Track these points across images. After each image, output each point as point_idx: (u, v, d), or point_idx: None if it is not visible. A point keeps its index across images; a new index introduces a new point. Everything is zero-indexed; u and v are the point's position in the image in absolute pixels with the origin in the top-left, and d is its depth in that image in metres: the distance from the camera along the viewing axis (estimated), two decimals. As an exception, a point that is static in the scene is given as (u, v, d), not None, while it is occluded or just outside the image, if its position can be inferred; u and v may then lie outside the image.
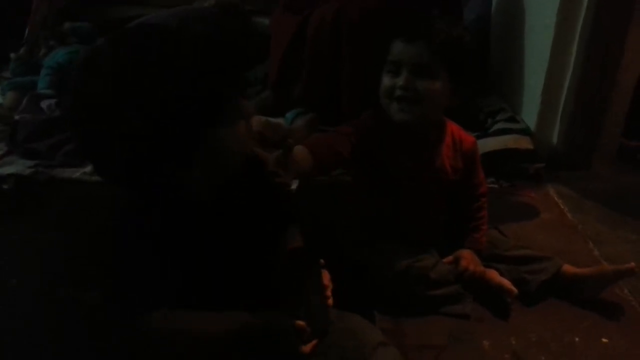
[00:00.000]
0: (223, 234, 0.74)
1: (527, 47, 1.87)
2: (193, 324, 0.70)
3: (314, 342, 0.74)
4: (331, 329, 0.77)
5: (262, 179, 0.83)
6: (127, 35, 0.68)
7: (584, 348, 1.01)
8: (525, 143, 1.69)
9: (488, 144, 1.65)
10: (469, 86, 1.09)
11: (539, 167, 1.68)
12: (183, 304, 0.69)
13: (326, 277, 0.80)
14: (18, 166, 1.51)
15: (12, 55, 2.15)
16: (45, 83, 1.95)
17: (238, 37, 1.94)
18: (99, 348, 0.88)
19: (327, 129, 1.74)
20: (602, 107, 1.72)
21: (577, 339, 1.03)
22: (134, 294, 0.68)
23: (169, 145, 0.65)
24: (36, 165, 1.51)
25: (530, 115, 1.80)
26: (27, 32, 2.14)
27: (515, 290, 1.07)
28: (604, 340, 1.03)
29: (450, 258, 1.13)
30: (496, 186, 1.60)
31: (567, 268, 1.13)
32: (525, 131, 1.75)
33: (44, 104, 1.81)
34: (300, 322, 0.71)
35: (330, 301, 0.78)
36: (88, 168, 1.51)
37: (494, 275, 1.11)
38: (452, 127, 1.16)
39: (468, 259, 1.11)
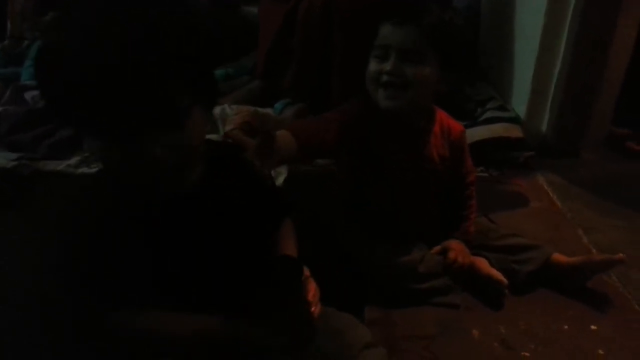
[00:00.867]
0: (195, 224, 0.71)
1: (517, 36, 1.86)
2: (159, 325, 0.68)
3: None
4: (315, 336, 0.74)
5: (242, 168, 0.80)
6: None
7: (572, 335, 1.01)
8: (515, 131, 1.69)
9: (478, 133, 1.65)
10: (458, 72, 1.06)
11: (529, 156, 1.68)
12: (151, 300, 0.67)
13: (312, 287, 0.76)
14: (1, 159, 1.48)
15: None
16: (29, 74, 1.91)
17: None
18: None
19: (316, 118, 1.74)
20: (591, 95, 1.73)
21: (565, 327, 1.03)
22: (89, 287, 0.67)
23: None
24: (20, 158, 1.48)
25: (520, 103, 1.80)
26: (8, 24, 2.10)
27: (505, 280, 1.07)
28: (593, 327, 1.03)
29: (438, 248, 1.12)
30: (486, 175, 1.60)
31: (557, 257, 1.13)
32: (515, 120, 1.75)
33: (28, 95, 1.77)
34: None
35: (317, 310, 0.75)
36: (72, 160, 1.48)
37: (483, 265, 1.11)
38: (441, 115, 1.13)
39: (457, 250, 1.10)
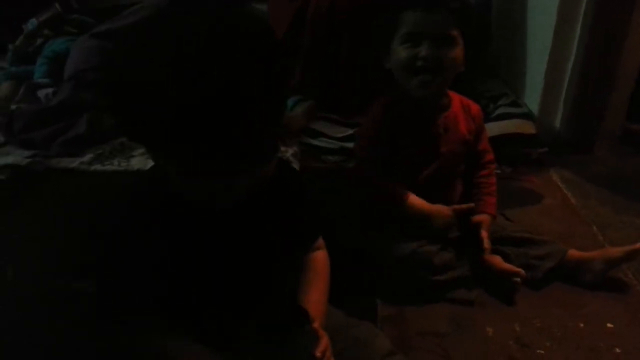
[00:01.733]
0: (225, 236, 0.69)
1: (529, 30, 1.84)
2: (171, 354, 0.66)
3: None
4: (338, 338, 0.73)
5: (287, 183, 0.75)
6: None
7: (589, 334, 1.00)
8: (528, 128, 1.67)
9: (490, 129, 1.61)
10: (475, 51, 1.12)
11: (542, 152, 1.66)
12: (173, 305, 0.66)
13: (323, 342, 0.69)
14: (15, 157, 1.49)
15: (11, 45, 2.13)
16: (42, 72, 1.92)
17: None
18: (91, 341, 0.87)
19: (326, 116, 1.74)
20: (605, 91, 1.70)
21: (581, 325, 1.02)
22: (120, 288, 0.66)
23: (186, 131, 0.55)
24: (33, 156, 1.49)
25: (532, 99, 1.78)
26: (31, 28, 2.11)
27: (522, 271, 1.06)
28: (609, 325, 1.02)
29: (456, 207, 1.12)
30: (499, 171, 1.58)
31: (572, 252, 1.12)
32: (527, 116, 1.73)
33: (41, 93, 1.79)
34: None
35: None
36: (85, 157, 1.49)
37: (497, 261, 1.10)
38: (455, 95, 1.18)
39: (487, 223, 1.12)
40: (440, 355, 0.94)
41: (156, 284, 0.67)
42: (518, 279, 1.06)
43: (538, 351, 0.96)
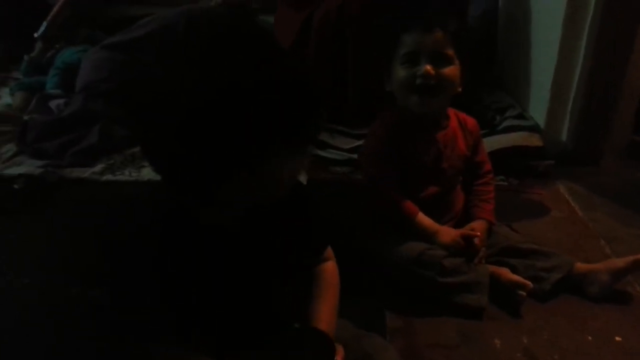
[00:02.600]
0: (237, 256, 0.69)
1: (535, 42, 1.86)
2: None
3: None
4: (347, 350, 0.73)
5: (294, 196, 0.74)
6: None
7: (597, 347, 1.00)
8: (535, 140, 1.68)
9: (497, 142, 1.64)
10: (473, 72, 1.16)
11: (548, 164, 1.67)
12: (187, 321, 0.67)
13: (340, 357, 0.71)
14: (28, 166, 1.51)
15: (26, 56, 2.16)
16: (54, 83, 1.96)
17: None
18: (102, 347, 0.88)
19: (334, 127, 1.75)
20: (611, 103, 1.71)
21: (590, 338, 1.02)
22: (131, 302, 0.67)
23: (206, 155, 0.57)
24: (46, 165, 1.51)
25: (539, 111, 1.79)
26: (42, 30, 2.14)
27: (529, 283, 1.06)
28: (617, 338, 1.02)
29: (464, 230, 1.13)
30: (505, 184, 1.59)
31: (579, 265, 1.12)
32: (534, 128, 1.74)
33: (53, 104, 1.82)
34: None
35: None
36: (97, 168, 1.52)
37: (504, 272, 1.10)
38: (451, 111, 1.21)
39: (481, 230, 1.13)
40: (449, 367, 0.95)
41: (165, 300, 0.67)
42: (523, 292, 1.06)
43: (546, 364, 0.96)
